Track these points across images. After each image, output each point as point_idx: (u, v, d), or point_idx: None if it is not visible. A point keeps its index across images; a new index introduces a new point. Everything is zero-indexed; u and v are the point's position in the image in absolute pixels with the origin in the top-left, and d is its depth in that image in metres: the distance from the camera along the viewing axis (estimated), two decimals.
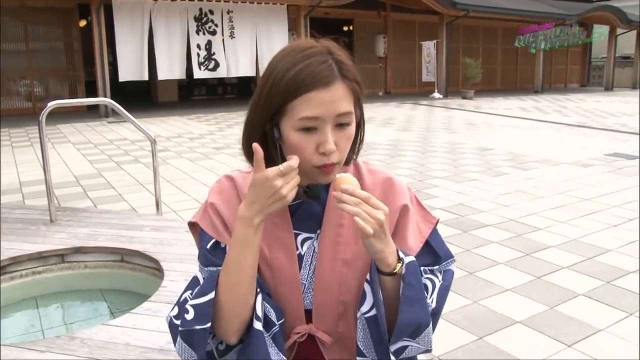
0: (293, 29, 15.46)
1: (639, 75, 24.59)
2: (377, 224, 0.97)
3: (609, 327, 2.75)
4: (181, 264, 2.86)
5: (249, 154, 1.08)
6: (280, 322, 1.09)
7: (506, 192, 5.57)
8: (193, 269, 2.66)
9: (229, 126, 10.90)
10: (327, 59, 1.02)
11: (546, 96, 19.73)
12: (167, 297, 2.49)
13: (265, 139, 1.06)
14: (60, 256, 3.17)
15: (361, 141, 1.15)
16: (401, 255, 1.05)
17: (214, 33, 13.77)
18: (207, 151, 7.87)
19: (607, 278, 3.37)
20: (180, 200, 5.22)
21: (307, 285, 1.13)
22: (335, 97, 1.00)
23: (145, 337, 2.10)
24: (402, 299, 1.03)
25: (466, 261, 3.65)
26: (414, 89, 20.39)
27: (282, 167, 0.96)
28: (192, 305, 1.04)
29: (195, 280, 1.13)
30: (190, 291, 1.10)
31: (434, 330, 1.09)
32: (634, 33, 23.62)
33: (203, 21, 13.56)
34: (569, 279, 3.36)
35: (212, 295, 1.03)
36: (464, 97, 18.16)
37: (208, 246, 1.12)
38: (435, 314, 1.10)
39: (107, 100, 4.26)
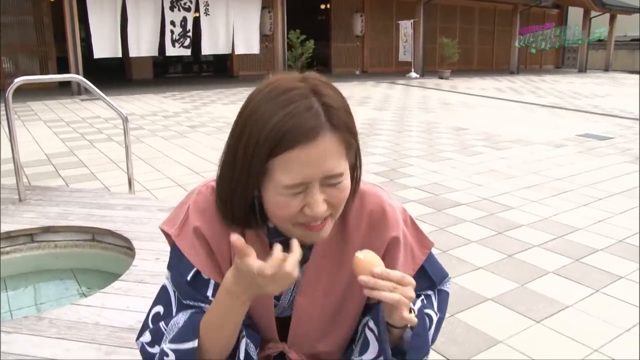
0: (270, 6, 15.24)
1: (611, 57, 24.92)
2: (410, 301, 0.93)
3: (577, 304, 2.81)
4: (153, 242, 2.83)
5: (226, 206, 0.98)
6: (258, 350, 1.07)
7: (480, 171, 5.62)
8: (165, 247, 2.64)
9: (204, 104, 10.77)
10: (313, 103, 0.87)
11: (521, 77, 19.88)
12: (138, 276, 2.47)
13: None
14: (29, 236, 3.10)
15: (357, 183, 1.03)
16: (410, 304, 1.00)
17: (189, 10, 13.52)
18: (181, 129, 7.77)
19: (576, 256, 3.44)
20: (154, 178, 5.15)
21: (286, 307, 1.11)
22: (323, 154, 0.87)
23: (115, 316, 2.08)
24: (410, 350, 1.01)
25: (440, 239, 3.68)
26: (390, 68, 20.36)
27: (270, 267, 0.86)
28: (173, 350, 0.97)
29: (164, 293, 1.06)
30: (160, 306, 1.04)
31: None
32: (607, 16, 23.85)
33: None
34: (540, 257, 3.42)
35: (195, 343, 0.96)
36: (441, 77, 18.21)
37: (188, 277, 1.01)
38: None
39: (77, 77, 4.16)
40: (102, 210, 3.39)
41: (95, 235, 3.13)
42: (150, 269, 2.53)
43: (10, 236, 3.05)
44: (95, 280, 3.02)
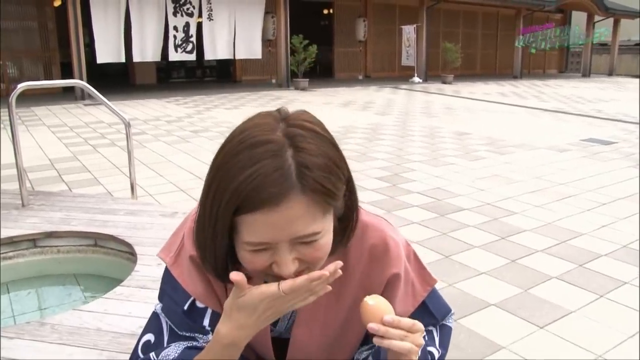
0: (273, 11, 15.29)
1: (615, 61, 24.89)
2: (419, 348, 0.91)
3: (580, 309, 2.79)
4: (155, 248, 2.82)
5: (201, 251, 0.94)
6: None
7: (483, 176, 5.60)
8: None
9: (207, 109, 10.79)
10: (283, 162, 0.79)
11: (525, 81, 19.87)
12: (140, 281, 2.47)
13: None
14: (32, 241, 3.11)
15: (352, 230, 0.97)
16: None
17: (191, 15, 13.57)
18: (184, 134, 7.78)
19: (579, 261, 3.42)
20: (157, 184, 5.16)
21: (283, 331, 1.11)
22: (288, 218, 0.80)
23: (117, 321, 2.08)
24: None
25: (442, 245, 3.67)
26: (393, 73, 20.38)
27: (283, 289, 0.84)
28: None
29: (155, 320, 1.04)
30: (151, 334, 1.03)
31: None
32: (611, 20, 23.85)
33: (181, 2, 13.35)
34: (543, 262, 3.40)
35: None
36: (444, 82, 18.22)
37: (185, 307, 1.00)
38: None
39: (79, 82, 4.17)
40: (104, 216, 3.40)
41: (97, 241, 3.13)
42: (153, 275, 2.52)
43: (13, 241, 3.06)
44: (98, 286, 3.03)
